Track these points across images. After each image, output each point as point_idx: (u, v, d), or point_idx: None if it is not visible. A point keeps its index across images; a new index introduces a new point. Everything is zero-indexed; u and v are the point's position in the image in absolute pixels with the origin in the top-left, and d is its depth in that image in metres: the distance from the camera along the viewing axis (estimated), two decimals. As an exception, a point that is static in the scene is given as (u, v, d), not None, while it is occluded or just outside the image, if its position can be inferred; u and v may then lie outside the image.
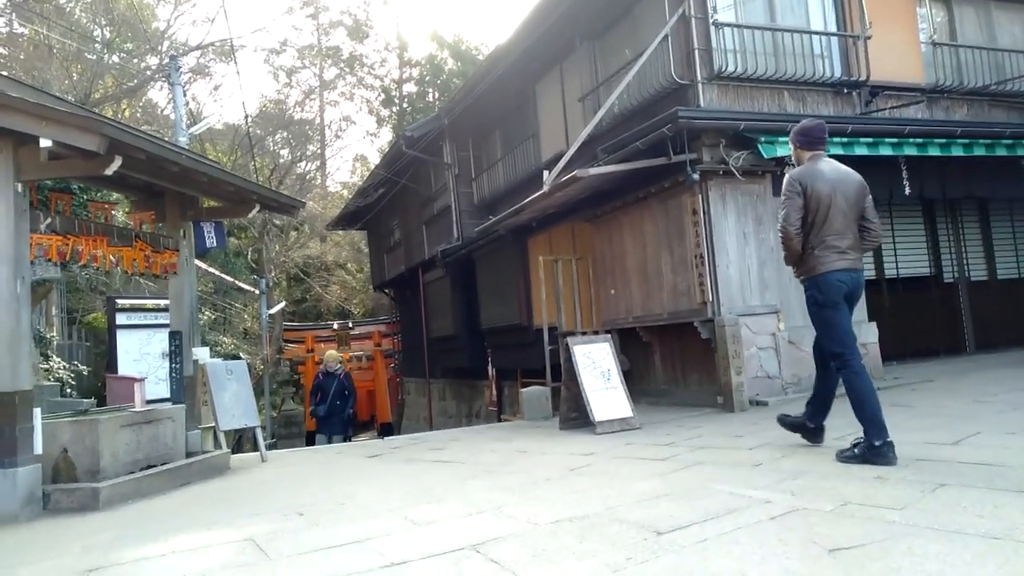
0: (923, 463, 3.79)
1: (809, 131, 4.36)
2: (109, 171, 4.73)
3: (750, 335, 7.34)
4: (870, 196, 4.29)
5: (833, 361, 4.24)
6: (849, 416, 4.11)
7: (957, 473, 3.50)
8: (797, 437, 4.76)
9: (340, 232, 27.31)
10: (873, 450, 3.88)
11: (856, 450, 3.99)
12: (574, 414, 6.91)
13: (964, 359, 9.46)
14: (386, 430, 18.43)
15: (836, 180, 4.16)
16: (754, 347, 7.37)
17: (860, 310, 8.10)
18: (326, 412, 10.45)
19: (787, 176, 4.29)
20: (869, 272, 9.20)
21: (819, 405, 4.53)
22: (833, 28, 8.64)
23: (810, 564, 2.42)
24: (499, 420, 12.05)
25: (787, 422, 4.80)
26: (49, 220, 5.30)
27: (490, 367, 13.48)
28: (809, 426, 4.59)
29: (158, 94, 24.63)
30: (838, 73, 8.53)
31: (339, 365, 10.87)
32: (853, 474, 3.69)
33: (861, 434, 3.99)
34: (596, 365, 6.87)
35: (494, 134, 13.73)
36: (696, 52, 7.71)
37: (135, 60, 20.10)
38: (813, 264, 4.20)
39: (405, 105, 31.71)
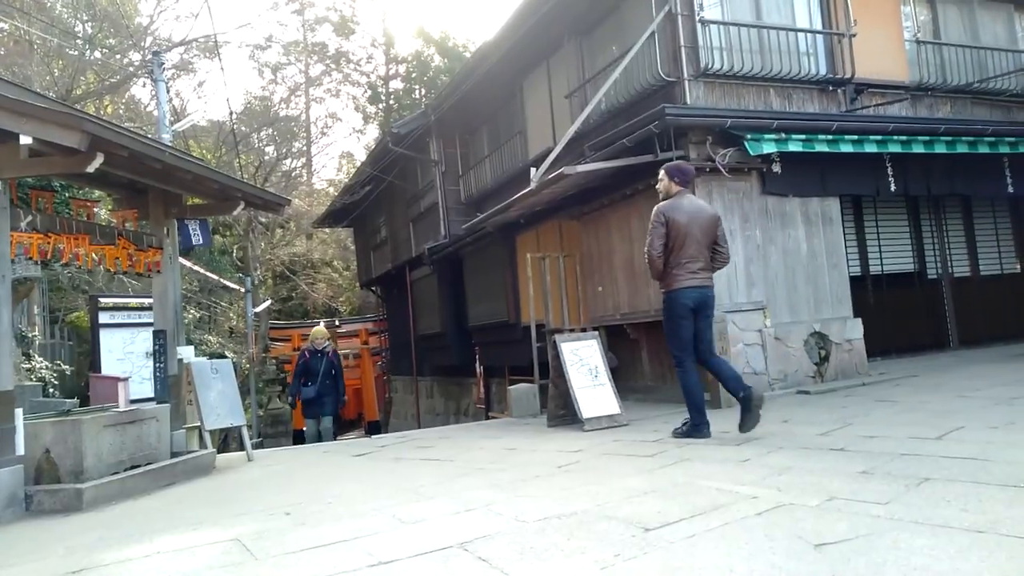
0: (907, 458, 3.83)
1: (686, 171, 5.38)
2: (91, 168, 4.67)
3: (737, 331, 7.38)
4: (722, 226, 5.29)
5: (673, 359, 5.33)
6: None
7: (941, 468, 3.53)
8: (782, 434, 4.78)
9: (326, 229, 27.19)
10: (695, 428, 5.20)
11: (684, 428, 5.30)
12: (562, 411, 6.92)
13: (948, 355, 9.56)
14: (373, 428, 18.38)
15: (692, 213, 5.14)
16: (741, 343, 7.41)
17: (845, 307, 8.18)
18: (316, 392, 9.34)
19: (655, 208, 5.23)
20: (855, 268, 9.28)
21: (728, 382, 5.19)
22: (818, 26, 8.69)
23: (796, 559, 2.43)
24: (487, 418, 12.05)
25: (678, 433, 5.43)
26: (30, 218, 5.22)
27: (478, 365, 13.48)
28: (701, 427, 5.25)
29: (141, 90, 24.41)
30: (823, 71, 8.58)
31: (327, 342, 9.80)
32: (839, 469, 3.72)
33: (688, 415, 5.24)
34: (584, 362, 6.87)
35: (481, 131, 13.71)
36: (682, 49, 7.73)
37: (117, 56, 19.89)
38: (670, 281, 5.16)
39: (392, 102, 31.60)
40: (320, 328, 10.20)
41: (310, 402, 9.38)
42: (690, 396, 5.18)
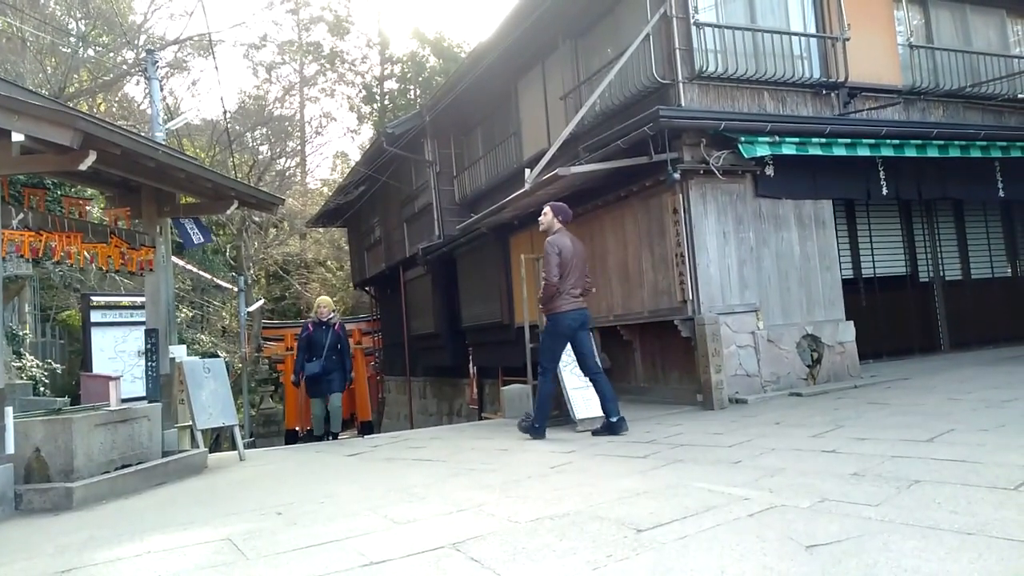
0: (899, 460, 3.84)
1: (567, 211, 6.24)
2: (83, 166, 4.65)
3: (730, 333, 7.40)
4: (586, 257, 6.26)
5: (541, 369, 6.12)
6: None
7: (932, 470, 3.55)
8: (774, 436, 4.80)
9: (320, 229, 27.14)
10: (535, 429, 6.11)
11: (526, 423, 6.31)
12: (555, 412, 6.91)
13: (939, 357, 9.61)
14: (366, 428, 18.34)
15: (573, 247, 5.99)
16: (734, 345, 7.42)
17: (838, 309, 8.20)
18: (322, 368, 8.22)
19: (548, 241, 5.98)
20: (847, 271, 9.31)
21: (606, 402, 5.95)
22: (812, 29, 8.72)
23: (788, 560, 2.44)
24: (480, 418, 12.04)
25: (598, 431, 6.01)
26: (22, 216, 5.20)
27: (471, 365, 13.46)
28: (611, 421, 5.87)
29: (134, 89, 24.31)
30: (817, 74, 8.61)
31: (333, 312, 8.75)
32: (830, 471, 3.73)
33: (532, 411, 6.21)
34: (577, 363, 6.87)
35: (476, 132, 13.71)
36: (677, 52, 7.74)
37: (111, 54, 19.81)
38: (559, 304, 5.90)
39: (386, 102, 31.59)
40: (325, 297, 9.06)
41: (315, 379, 8.30)
42: (542, 401, 6.14)
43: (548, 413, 6.19)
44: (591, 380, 6.07)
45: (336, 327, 8.56)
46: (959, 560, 2.31)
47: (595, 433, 5.99)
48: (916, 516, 2.80)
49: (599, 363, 6.21)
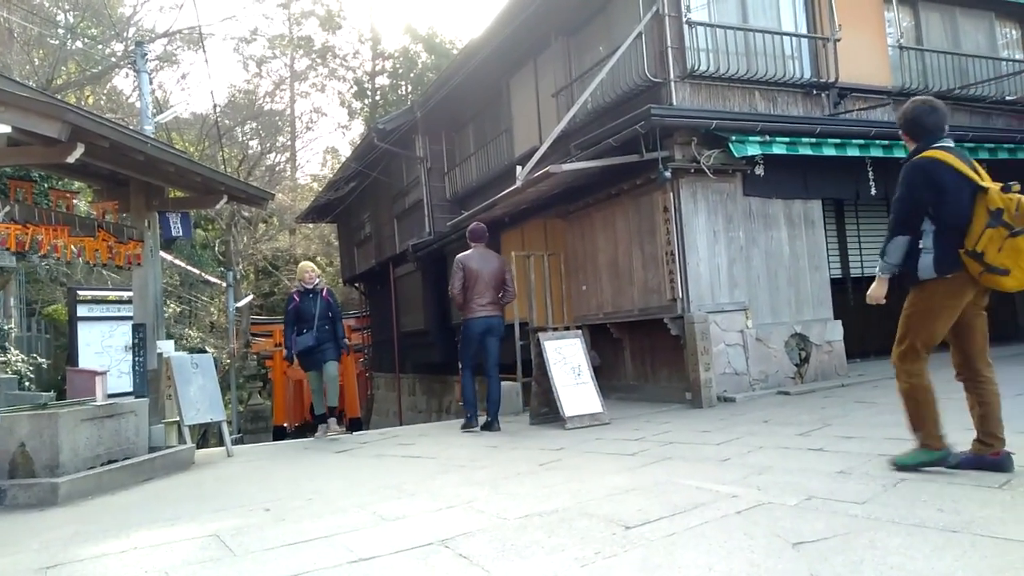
0: (885, 458, 3.87)
1: (479, 232, 7.11)
2: (71, 159, 4.62)
3: (719, 332, 7.43)
4: (508, 272, 7.05)
5: (461, 367, 7.14)
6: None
7: (918, 469, 3.57)
8: (762, 434, 4.82)
9: (310, 225, 27.03)
10: (468, 420, 6.98)
11: (465, 420, 7.06)
12: (544, 409, 6.93)
13: (925, 357, 9.67)
14: (355, 425, 18.30)
15: (481, 262, 6.85)
16: (723, 344, 7.46)
17: (826, 308, 8.24)
18: (315, 340, 7.47)
19: (456, 258, 6.97)
20: (835, 271, 9.35)
21: (490, 403, 6.93)
22: (804, 30, 8.76)
23: (774, 557, 2.46)
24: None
25: (483, 427, 6.88)
26: (8, 208, 5.15)
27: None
28: (488, 420, 6.90)
29: (123, 81, 24.13)
30: (808, 74, 8.65)
31: (319, 279, 7.87)
32: (818, 470, 3.76)
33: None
34: (567, 361, 6.89)
35: (467, 128, 13.68)
36: (669, 50, 7.76)
37: (100, 46, 19.62)
38: (466, 311, 6.87)
39: (377, 98, 31.50)
40: (308, 263, 8.21)
41: (309, 352, 7.57)
42: (466, 395, 7.09)
43: (474, 402, 7.07)
44: (487, 379, 6.99)
45: (324, 293, 7.73)
46: (944, 558, 2.33)
47: (483, 428, 6.88)
48: (902, 514, 2.82)
49: (496, 368, 7.01)
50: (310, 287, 7.65)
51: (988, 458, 3.42)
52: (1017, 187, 3.42)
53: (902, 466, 3.57)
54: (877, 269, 3.78)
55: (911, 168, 3.59)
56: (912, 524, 2.69)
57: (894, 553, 2.40)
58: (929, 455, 3.50)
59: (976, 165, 3.55)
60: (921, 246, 3.56)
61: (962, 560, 2.29)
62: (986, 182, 3.46)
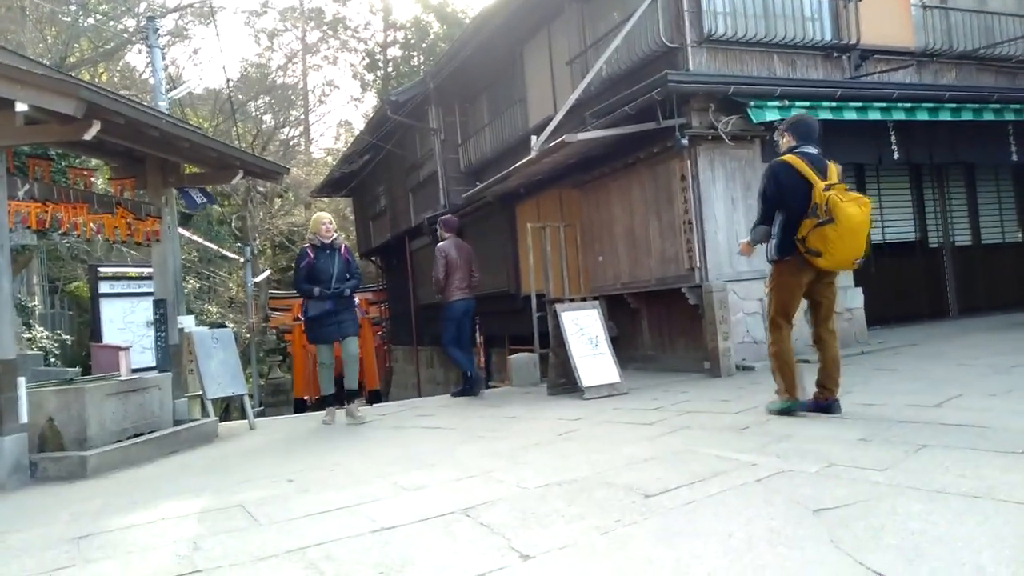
0: (906, 425, 3.85)
1: (451, 223, 7.95)
2: (87, 136, 4.62)
3: (737, 300, 7.38)
4: (475, 259, 7.84)
5: (444, 345, 7.74)
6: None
7: (939, 434, 3.55)
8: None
9: (325, 199, 27.05)
10: (472, 386, 7.67)
11: (459, 388, 7.82)
12: (562, 380, 6.95)
13: (948, 323, 9.58)
14: (374, 397, 18.49)
15: (458, 251, 7.61)
16: (741, 312, 7.41)
17: (847, 276, 8.15)
18: (332, 305, 6.29)
19: (437, 247, 7.65)
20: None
21: (468, 368, 7.71)
22: (824, -10, 8.53)
23: (794, 524, 2.46)
24: (487, 387, 12.10)
25: (456, 393, 7.82)
26: (27, 187, 5.19)
27: (478, 334, 13.50)
28: (476, 384, 7.74)
29: (136, 58, 24.13)
30: (828, 36, 8.44)
31: (337, 232, 6.66)
32: (838, 437, 3.75)
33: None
34: (584, 331, 6.88)
35: (481, 99, 13.55)
36: (685, 14, 7.60)
37: (111, 22, 19.58)
38: (448, 294, 7.52)
39: (390, 69, 31.26)
40: (324, 213, 6.92)
41: (322, 319, 6.32)
42: (461, 366, 7.79)
43: (470, 368, 7.72)
44: (461, 350, 7.69)
45: (343, 251, 6.54)
46: (965, 523, 2.32)
47: (459, 394, 7.76)
48: (923, 480, 2.81)
49: (470, 343, 7.95)
50: (327, 241, 6.45)
51: (822, 403, 4.40)
52: (842, 185, 4.22)
53: (771, 411, 4.57)
54: (751, 235, 4.67)
55: (767, 170, 4.53)
56: (934, 490, 2.68)
57: (915, 519, 2.39)
58: (786, 404, 4.49)
59: (828, 167, 4.31)
60: (772, 233, 4.42)
61: (984, 525, 2.28)
62: (822, 182, 4.18)
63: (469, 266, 7.65)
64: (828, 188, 4.15)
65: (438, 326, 16.42)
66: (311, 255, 6.40)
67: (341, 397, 6.66)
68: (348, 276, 6.47)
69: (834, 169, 4.32)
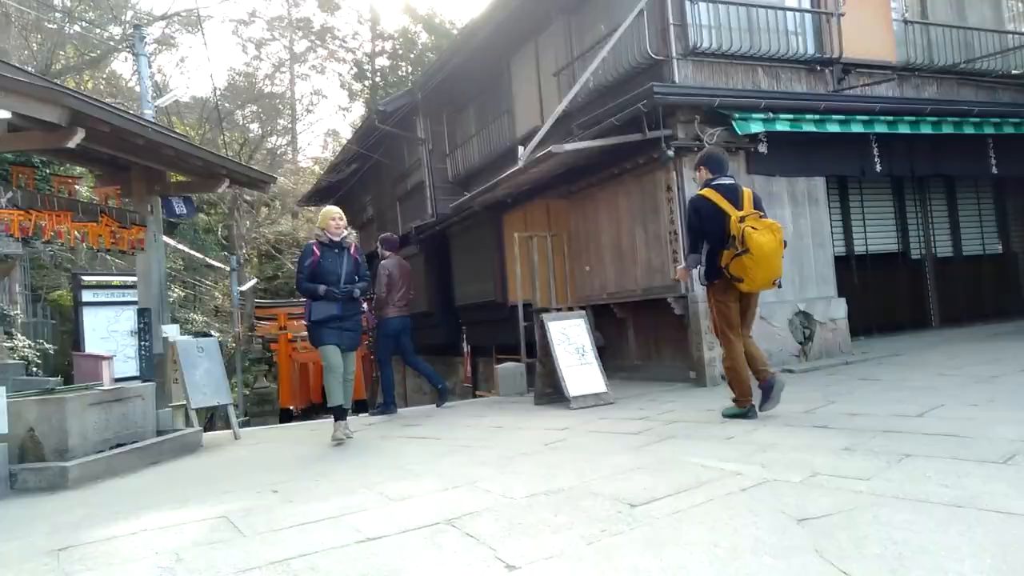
0: (889, 434, 3.88)
1: (391, 241, 8.26)
2: (72, 144, 4.60)
3: (722, 311, 7.41)
4: (411, 277, 8.10)
5: (380, 362, 7.99)
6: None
7: (922, 444, 3.59)
8: (766, 412, 4.84)
9: (312, 208, 26.97)
10: (386, 406, 7.68)
11: (380, 409, 7.72)
12: (549, 390, 6.95)
13: (930, 333, 9.68)
14: (360, 407, 18.39)
15: (400, 269, 7.93)
16: (726, 323, 7.44)
17: (830, 286, 8.23)
18: (340, 309, 5.70)
19: (380, 264, 7.86)
20: (840, 249, 9.31)
21: (389, 393, 7.83)
22: (807, 4, 8.65)
23: (779, 534, 2.47)
24: (474, 396, 12.09)
25: (375, 413, 7.76)
26: (10, 194, 5.15)
27: (465, 344, 13.48)
28: (390, 407, 7.74)
29: (122, 65, 24.01)
30: (811, 50, 8.55)
31: (347, 231, 6.11)
32: (822, 446, 3.77)
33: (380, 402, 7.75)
34: (570, 341, 6.90)
35: (468, 109, 13.60)
36: (671, 27, 7.67)
37: (97, 30, 19.49)
38: (386, 312, 7.75)
39: (378, 79, 31.25)
40: (334, 208, 6.07)
41: (329, 324, 5.71)
42: (386, 387, 7.88)
43: (392, 391, 7.87)
44: (416, 367, 8.15)
45: (353, 250, 5.95)
46: (948, 532, 2.34)
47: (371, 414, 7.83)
48: (906, 489, 2.84)
49: (414, 353, 8.12)
50: (336, 239, 5.85)
51: (766, 383, 4.84)
52: (756, 214, 4.78)
53: (725, 416, 5.00)
54: (686, 262, 5.26)
55: (689, 203, 5.10)
56: (917, 500, 2.70)
57: (898, 528, 2.41)
58: (740, 410, 4.92)
59: (742, 196, 4.84)
60: (700, 260, 4.98)
61: (966, 534, 2.31)
62: (736, 213, 4.72)
63: (408, 285, 7.97)
64: (742, 220, 4.67)
65: (425, 334, 16.33)
66: (317, 252, 5.78)
67: (345, 411, 5.92)
68: (357, 278, 5.87)
69: (748, 196, 4.87)
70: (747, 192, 4.89)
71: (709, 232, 4.84)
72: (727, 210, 4.75)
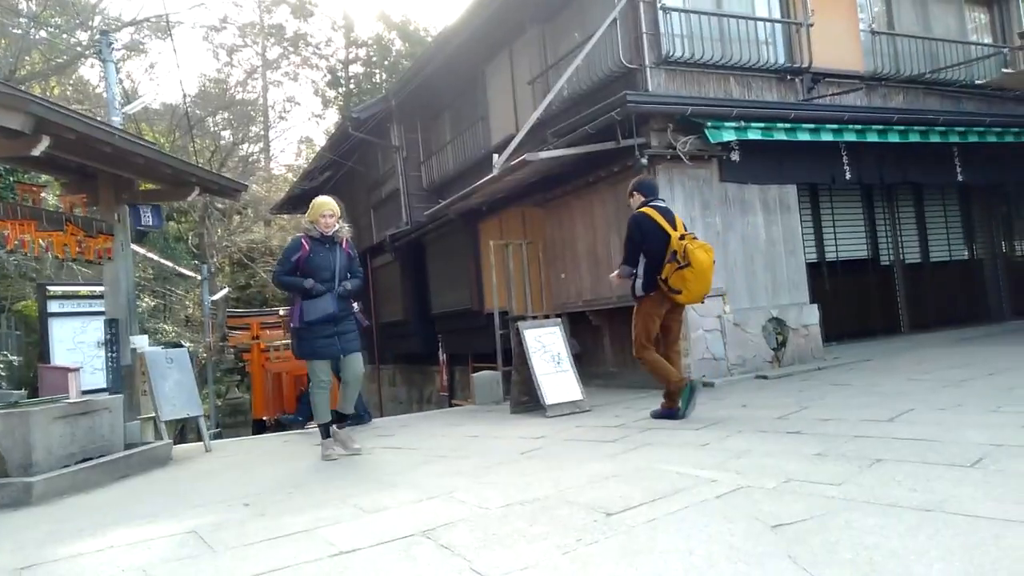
0: (860, 440, 3.93)
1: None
2: (36, 152, 4.51)
3: (696, 318, 7.48)
4: None
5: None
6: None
7: (892, 449, 3.63)
8: (741, 419, 4.88)
9: (285, 216, 26.73)
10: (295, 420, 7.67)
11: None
12: (525, 398, 6.94)
13: (899, 339, 9.84)
14: (336, 417, 18.21)
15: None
16: (700, 329, 7.51)
17: (802, 293, 8.33)
18: (336, 307, 5.12)
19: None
20: (811, 255, 9.45)
21: (307, 408, 7.19)
22: (777, 15, 8.81)
23: (753, 540, 2.48)
24: (450, 405, 12.03)
25: (288, 420, 8.06)
26: (-28, 203, 5.02)
27: (441, 352, 13.43)
28: (299, 420, 7.86)
29: (90, 71, 23.65)
30: (782, 60, 8.70)
31: (340, 224, 5.38)
32: (795, 452, 3.80)
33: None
34: (547, 349, 6.90)
35: (443, 116, 13.59)
36: (644, 36, 7.75)
37: (64, 35, 19.18)
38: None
39: (352, 86, 31.16)
40: (327, 199, 5.39)
41: (321, 326, 5.12)
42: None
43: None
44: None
45: (345, 245, 5.36)
46: (917, 536, 2.36)
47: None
48: (877, 494, 2.87)
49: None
50: (328, 234, 5.25)
51: (682, 385, 5.28)
52: (691, 235, 5.28)
53: (653, 416, 5.46)
54: (620, 271, 5.57)
55: (631, 220, 5.46)
56: (887, 504, 2.73)
57: (870, 533, 2.44)
58: (667, 410, 5.35)
59: (674, 217, 5.36)
60: (638, 273, 5.36)
61: (935, 538, 2.33)
62: (674, 232, 5.19)
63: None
64: (682, 238, 5.16)
65: (400, 343, 16.24)
66: (307, 247, 5.18)
67: (346, 418, 5.64)
68: (349, 275, 5.32)
69: (679, 219, 5.40)
70: (677, 216, 5.43)
71: (649, 247, 5.26)
72: (667, 229, 5.22)
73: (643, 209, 5.40)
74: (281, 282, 5.34)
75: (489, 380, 8.48)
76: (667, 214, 5.35)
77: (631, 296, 5.52)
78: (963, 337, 9.22)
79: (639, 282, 5.35)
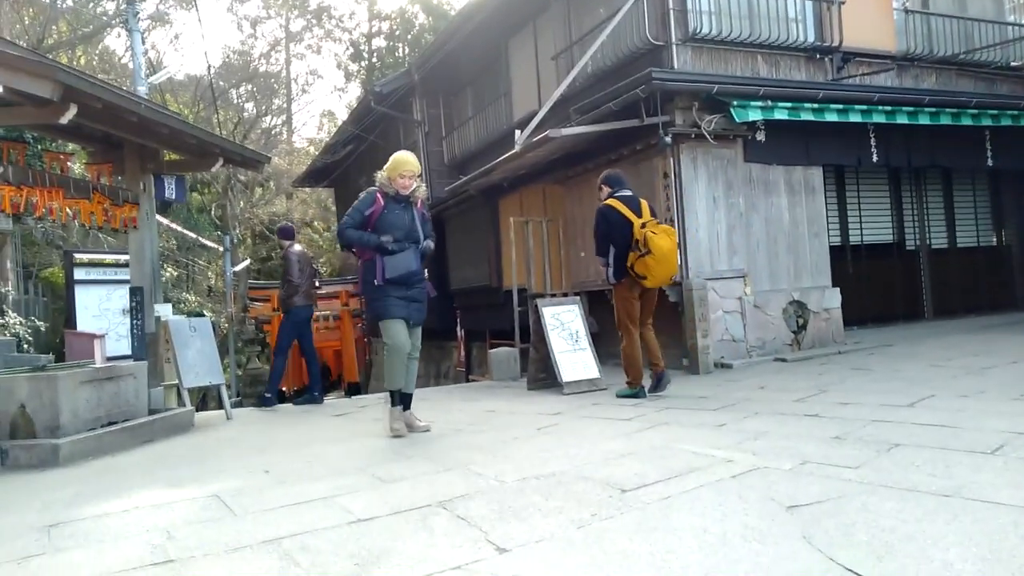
0: (879, 424, 3.91)
1: (291, 231, 8.23)
2: (64, 120, 4.55)
3: (717, 299, 7.44)
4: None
5: (278, 349, 7.83)
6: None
7: (911, 434, 3.61)
8: (758, 400, 4.87)
9: (307, 189, 26.86)
10: (266, 398, 7.51)
11: (262, 400, 7.69)
12: (542, 375, 6.96)
13: (922, 325, 9.72)
14: (353, 390, 18.40)
15: (304, 258, 7.74)
16: (720, 310, 7.47)
17: (824, 276, 8.25)
18: (418, 265, 4.81)
19: (290, 251, 7.66)
20: (835, 238, 9.32)
21: (276, 380, 7.78)
22: (808, -8, 8.61)
23: (768, 520, 2.49)
24: (467, 381, 12.11)
25: (304, 401, 7.61)
26: (1, 170, 5.09)
27: (459, 328, 13.49)
28: (267, 396, 7.55)
29: (115, 41, 23.77)
30: (811, 38, 8.52)
31: (417, 183, 4.92)
32: (813, 435, 3.79)
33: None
34: (565, 327, 6.91)
35: (465, 92, 13.52)
36: (671, 12, 7.63)
37: (91, 5, 19.25)
38: (294, 301, 7.51)
39: (374, 60, 31.06)
40: (408, 157, 4.87)
41: (397, 286, 4.71)
42: (277, 377, 7.85)
43: (279, 384, 7.82)
44: (308, 358, 7.97)
45: (419, 205, 4.95)
46: (935, 521, 2.36)
47: (303, 402, 7.59)
48: (895, 478, 2.85)
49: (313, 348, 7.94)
50: (405, 194, 4.81)
51: (659, 374, 5.66)
52: (653, 221, 5.56)
53: (619, 396, 5.78)
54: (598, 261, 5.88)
55: (597, 212, 5.77)
56: (905, 488, 2.72)
57: (886, 516, 2.43)
58: (633, 390, 5.71)
59: (641, 206, 5.62)
60: (608, 262, 5.65)
61: (953, 524, 2.32)
62: (638, 220, 5.48)
63: (312, 275, 7.90)
64: (643, 225, 5.43)
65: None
66: (382, 202, 4.76)
67: (408, 397, 4.96)
68: (423, 237, 4.90)
69: (645, 205, 5.65)
70: (644, 202, 5.67)
71: (616, 237, 5.55)
72: (631, 218, 5.51)
73: (608, 201, 5.67)
74: (348, 236, 4.83)
75: (506, 356, 8.51)
76: (632, 203, 5.61)
77: (609, 282, 5.82)
78: (987, 324, 9.09)
79: (610, 271, 5.66)
